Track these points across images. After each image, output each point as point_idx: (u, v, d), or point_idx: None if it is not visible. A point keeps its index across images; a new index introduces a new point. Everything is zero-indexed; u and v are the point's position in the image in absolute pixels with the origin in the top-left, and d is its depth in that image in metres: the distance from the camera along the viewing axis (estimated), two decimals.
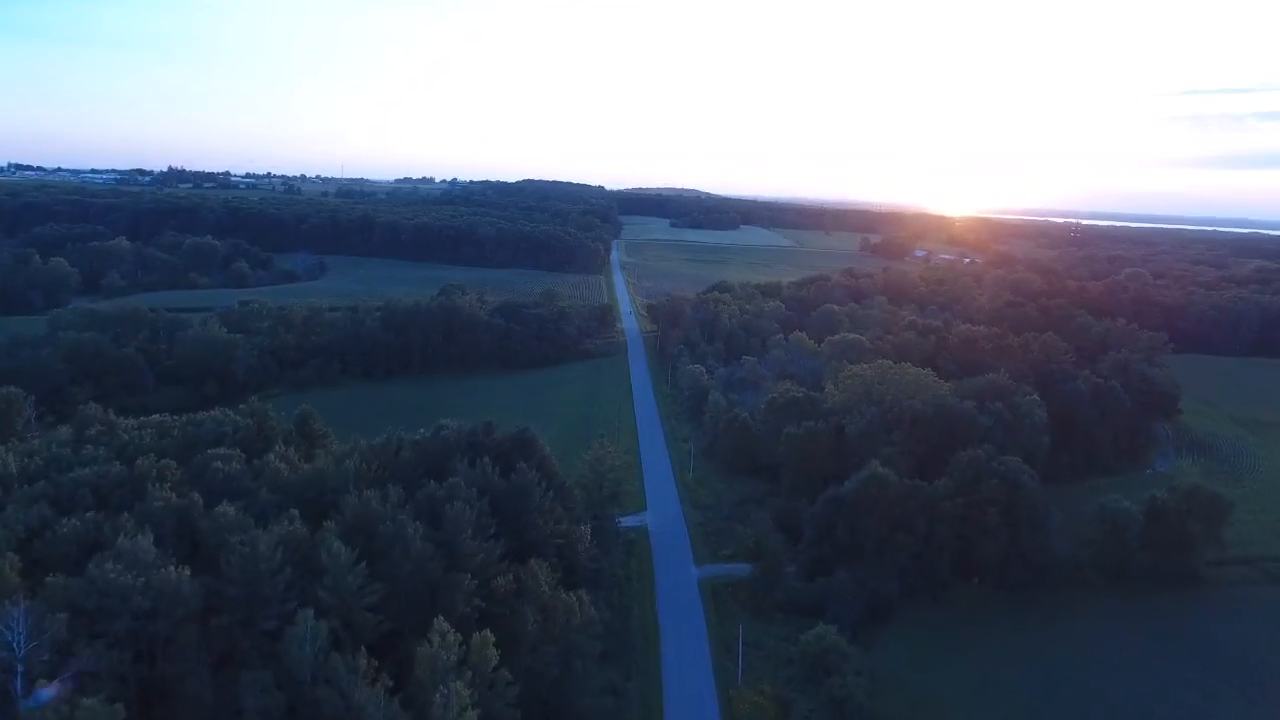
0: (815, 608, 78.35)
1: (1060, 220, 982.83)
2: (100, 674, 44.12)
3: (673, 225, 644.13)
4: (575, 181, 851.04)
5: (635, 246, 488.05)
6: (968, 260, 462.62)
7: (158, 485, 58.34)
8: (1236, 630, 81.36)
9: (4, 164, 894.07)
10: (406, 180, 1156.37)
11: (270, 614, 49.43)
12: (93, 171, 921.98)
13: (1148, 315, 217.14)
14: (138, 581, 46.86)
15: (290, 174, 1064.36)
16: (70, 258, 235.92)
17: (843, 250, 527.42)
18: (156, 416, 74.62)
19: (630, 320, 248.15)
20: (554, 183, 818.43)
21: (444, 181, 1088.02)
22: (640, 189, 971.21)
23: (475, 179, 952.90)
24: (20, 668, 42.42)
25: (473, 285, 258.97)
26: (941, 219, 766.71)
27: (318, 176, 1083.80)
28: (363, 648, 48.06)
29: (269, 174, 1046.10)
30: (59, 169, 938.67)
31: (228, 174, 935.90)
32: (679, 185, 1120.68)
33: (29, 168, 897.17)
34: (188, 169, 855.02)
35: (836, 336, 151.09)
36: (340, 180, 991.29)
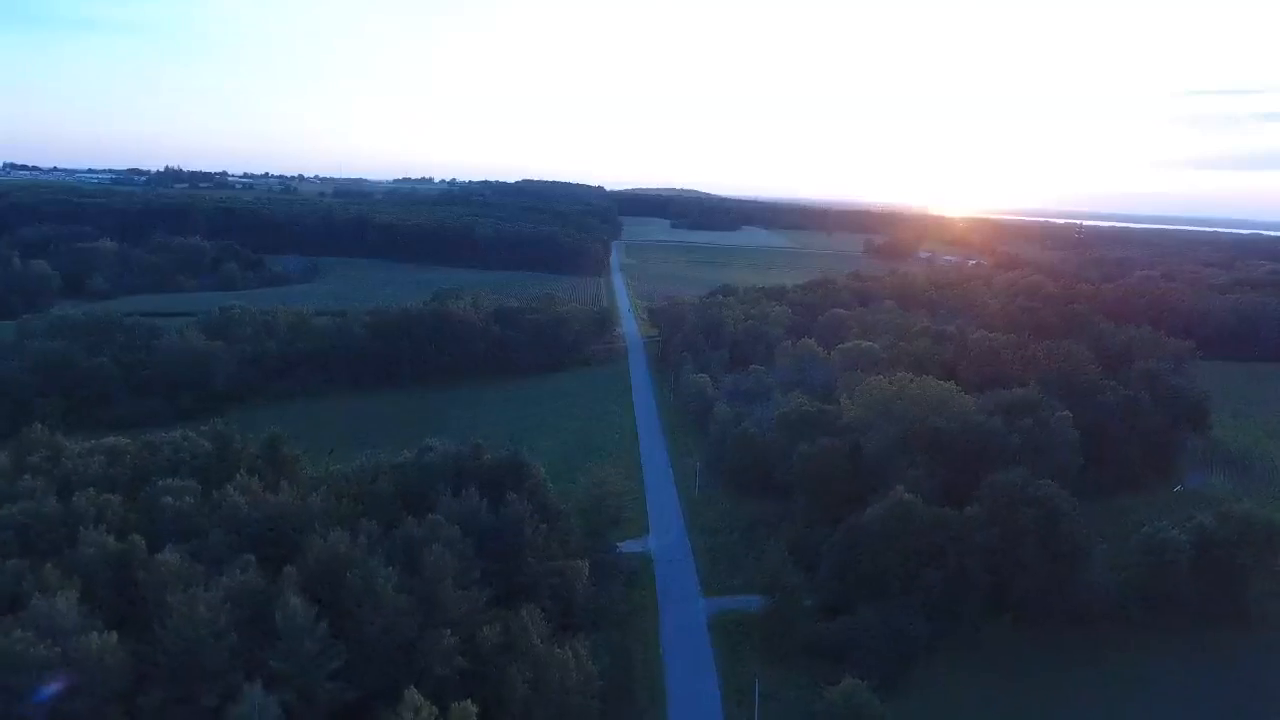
0: (837, 651, 71.04)
1: (1061, 221, 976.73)
2: None
3: (673, 226, 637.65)
4: (574, 182, 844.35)
5: (635, 248, 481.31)
6: (973, 262, 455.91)
7: (95, 526, 51.11)
8: None
9: None
10: (405, 180, 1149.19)
11: (212, 688, 42.20)
12: (89, 171, 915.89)
13: (1165, 320, 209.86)
14: (53, 652, 39.64)
15: (289, 174, 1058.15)
16: (53, 260, 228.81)
17: (845, 252, 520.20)
18: (110, 440, 67.35)
19: (630, 324, 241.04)
20: (553, 183, 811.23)
21: (443, 182, 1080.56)
22: (640, 189, 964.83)
23: (475, 179, 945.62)
24: None
25: (468, 288, 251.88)
26: (942, 220, 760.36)
27: (316, 176, 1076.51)
28: None
29: (266, 174, 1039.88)
30: (54, 169, 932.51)
31: (224, 174, 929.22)
32: (679, 186, 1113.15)
33: (24, 168, 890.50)
34: (184, 169, 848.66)
35: (848, 344, 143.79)
36: (338, 180, 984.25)
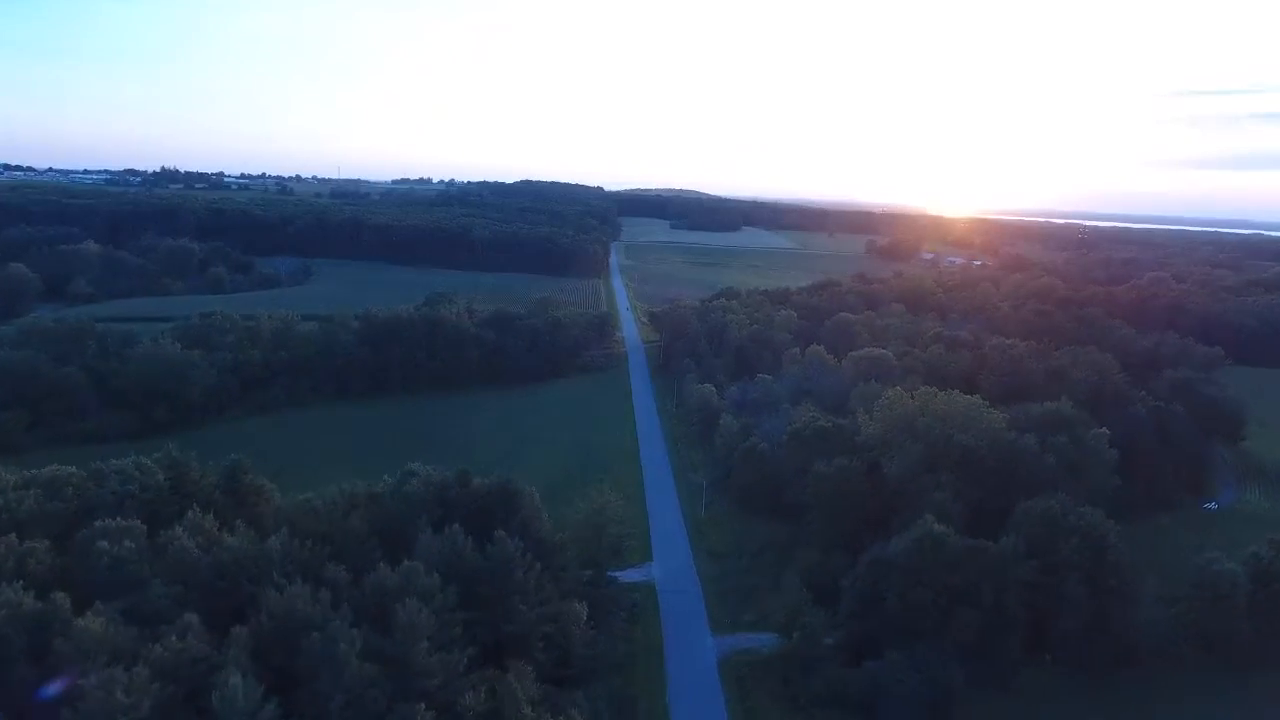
0: (864, 700, 64.05)
1: (1061, 221, 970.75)
2: None
3: (673, 227, 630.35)
4: (573, 182, 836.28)
5: (635, 249, 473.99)
6: (977, 263, 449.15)
7: (13, 582, 43.90)
8: None
9: None
10: (404, 181, 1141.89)
11: None
12: (85, 172, 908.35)
13: (1182, 324, 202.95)
14: None
15: (286, 175, 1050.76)
16: (34, 262, 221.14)
17: (848, 253, 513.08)
18: (50, 469, 60.07)
19: (630, 328, 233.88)
20: (552, 183, 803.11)
21: (441, 182, 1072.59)
22: (639, 189, 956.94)
23: (474, 180, 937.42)
24: None
25: (463, 291, 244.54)
26: (943, 220, 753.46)
27: (313, 177, 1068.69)
28: None
29: (264, 174, 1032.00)
30: (50, 169, 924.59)
31: (221, 174, 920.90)
32: (678, 186, 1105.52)
33: (19, 168, 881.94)
34: (181, 169, 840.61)
35: (860, 352, 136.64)
36: (336, 181, 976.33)
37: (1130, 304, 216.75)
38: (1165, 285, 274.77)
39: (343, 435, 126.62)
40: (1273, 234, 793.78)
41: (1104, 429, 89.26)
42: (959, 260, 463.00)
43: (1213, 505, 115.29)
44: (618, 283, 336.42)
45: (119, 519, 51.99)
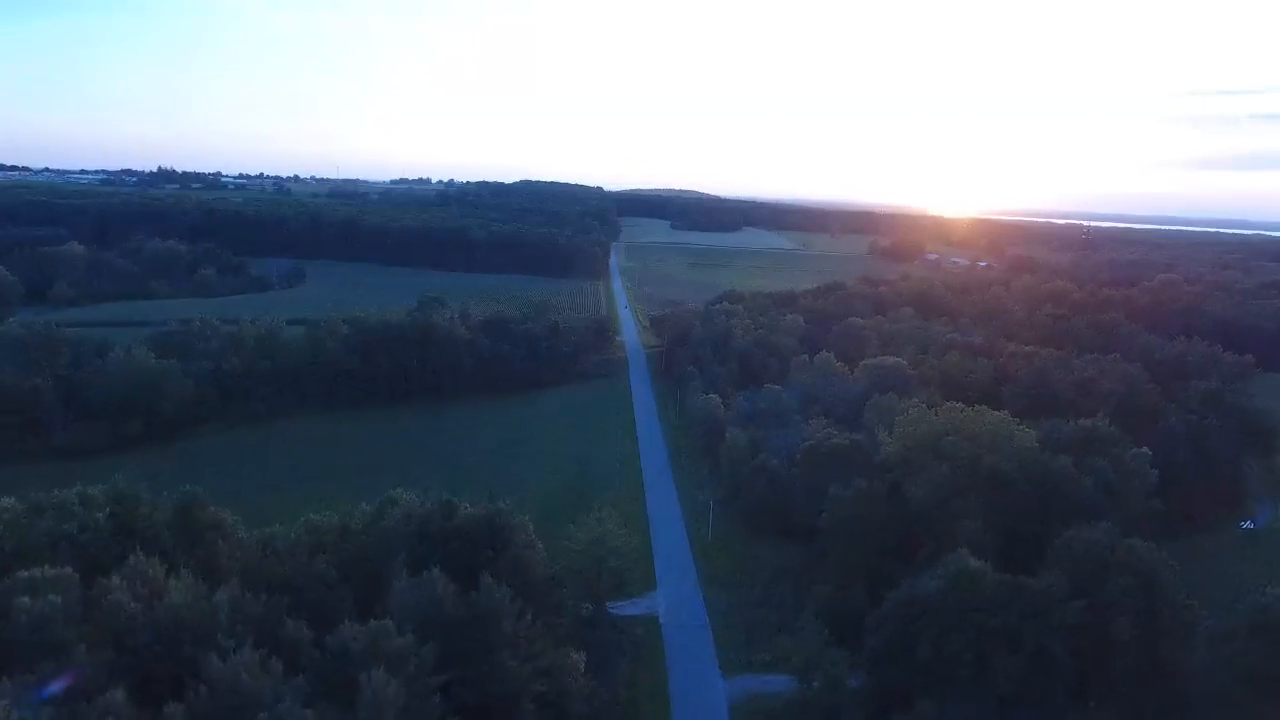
0: None
1: (1062, 221, 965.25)
2: None
3: (673, 227, 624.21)
4: (573, 182, 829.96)
5: (635, 249, 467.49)
6: (983, 264, 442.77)
7: None
8: None
9: None
10: (402, 181, 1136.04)
11: None
12: (81, 172, 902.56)
13: (1199, 328, 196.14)
14: None
15: (285, 175, 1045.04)
16: (16, 265, 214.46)
17: (850, 253, 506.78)
18: None
19: (631, 332, 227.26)
20: (551, 183, 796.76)
21: (440, 182, 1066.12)
22: (639, 189, 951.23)
23: (473, 180, 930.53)
24: None
25: (460, 293, 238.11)
26: (945, 220, 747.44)
27: (312, 177, 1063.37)
28: None
29: (261, 174, 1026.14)
30: (45, 169, 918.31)
31: (218, 174, 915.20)
32: (679, 186, 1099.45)
33: (14, 168, 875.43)
34: (178, 169, 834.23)
35: (873, 361, 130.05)
36: (334, 181, 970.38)
37: (1145, 308, 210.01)
38: (1178, 288, 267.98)
39: (327, 450, 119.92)
40: (1273, 234, 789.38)
41: (1146, 449, 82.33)
42: (963, 261, 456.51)
43: (1250, 524, 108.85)
44: (618, 284, 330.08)
45: (47, 567, 45.34)
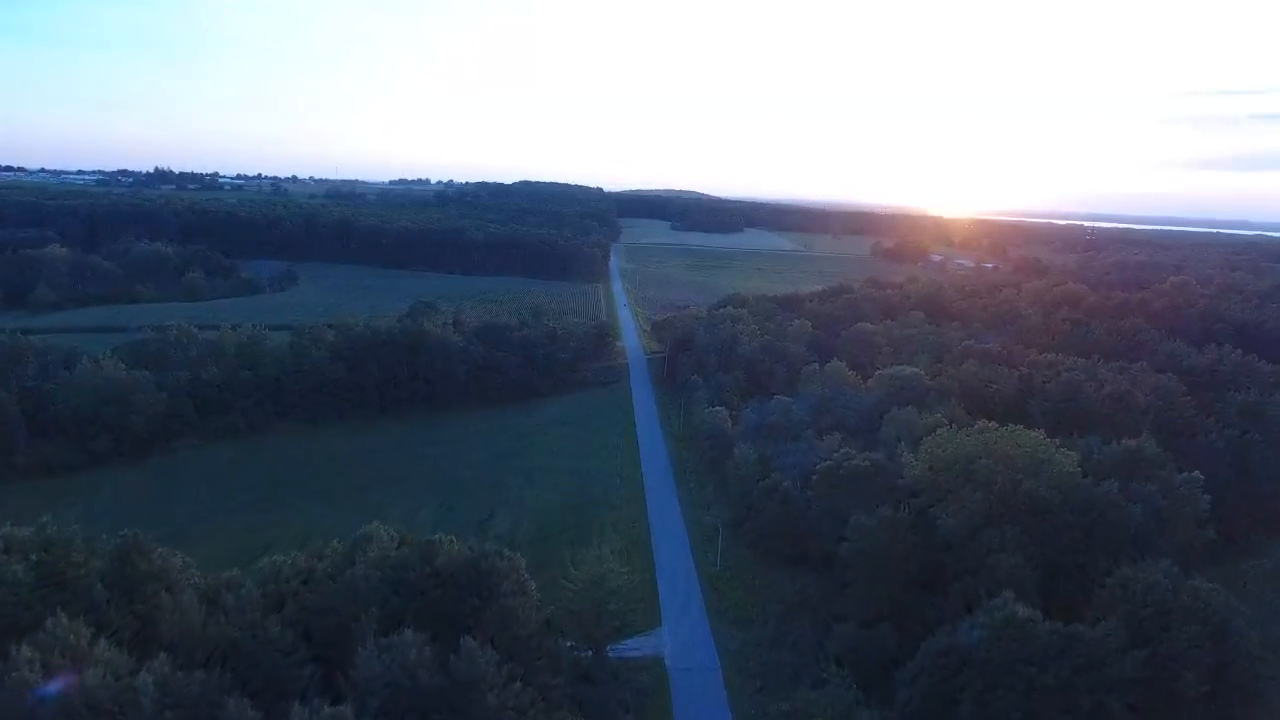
0: None
1: (1063, 222, 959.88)
2: None
3: (673, 228, 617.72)
4: (573, 183, 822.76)
5: (635, 251, 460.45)
6: (989, 266, 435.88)
7: None
8: None
9: None
10: (401, 181, 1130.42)
11: None
12: (78, 173, 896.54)
13: (1220, 333, 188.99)
14: None
15: (283, 175, 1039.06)
16: None
17: (853, 254, 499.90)
18: None
19: (632, 337, 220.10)
20: (550, 184, 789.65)
21: (439, 183, 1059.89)
22: (640, 190, 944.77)
23: (472, 180, 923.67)
24: None
25: (455, 296, 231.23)
26: (945, 221, 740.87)
27: (310, 178, 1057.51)
28: None
29: (259, 175, 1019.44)
30: (41, 169, 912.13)
31: (215, 175, 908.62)
32: (679, 186, 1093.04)
33: (9, 169, 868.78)
34: (175, 170, 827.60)
35: (888, 371, 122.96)
36: (332, 181, 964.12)
37: (1162, 312, 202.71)
38: (1193, 291, 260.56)
39: (311, 464, 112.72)
40: (1273, 234, 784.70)
41: (1198, 473, 75.31)
42: (969, 263, 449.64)
43: None
44: (618, 286, 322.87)
45: None
